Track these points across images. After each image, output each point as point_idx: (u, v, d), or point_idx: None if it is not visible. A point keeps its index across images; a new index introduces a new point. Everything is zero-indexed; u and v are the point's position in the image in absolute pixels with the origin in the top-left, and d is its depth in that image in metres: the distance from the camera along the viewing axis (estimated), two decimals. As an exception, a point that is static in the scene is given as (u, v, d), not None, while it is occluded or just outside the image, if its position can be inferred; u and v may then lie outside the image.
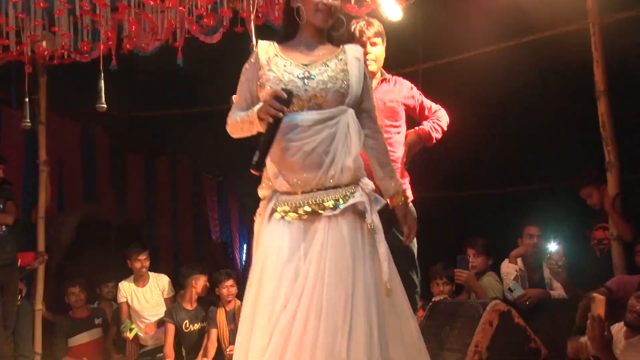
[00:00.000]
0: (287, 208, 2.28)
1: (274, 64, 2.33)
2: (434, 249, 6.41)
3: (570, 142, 6.07)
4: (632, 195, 4.45)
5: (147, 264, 5.87)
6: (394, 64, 3.59)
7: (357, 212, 2.25)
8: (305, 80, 2.28)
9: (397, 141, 3.32)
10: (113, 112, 5.16)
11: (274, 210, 2.30)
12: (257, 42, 2.47)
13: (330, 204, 2.24)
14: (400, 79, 3.49)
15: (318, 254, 2.15)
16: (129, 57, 5.08)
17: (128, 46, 5.00)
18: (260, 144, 2.20)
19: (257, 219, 2.38)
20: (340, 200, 2.25)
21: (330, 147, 2.23)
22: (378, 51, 3.35)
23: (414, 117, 3.51)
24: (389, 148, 2.65)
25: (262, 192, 2.40)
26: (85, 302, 6.05)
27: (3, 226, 5.27)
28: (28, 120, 4.81)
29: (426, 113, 3.51)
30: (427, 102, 3.52)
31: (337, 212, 2.22)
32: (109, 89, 4.44)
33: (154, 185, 9.00)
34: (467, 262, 4.41)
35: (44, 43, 4.95)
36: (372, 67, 3.30)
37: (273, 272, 2.18)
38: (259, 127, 2.27)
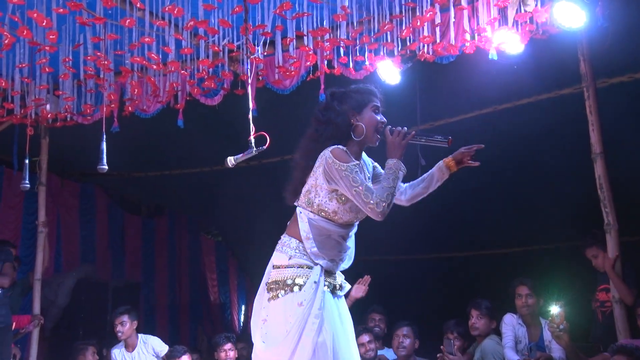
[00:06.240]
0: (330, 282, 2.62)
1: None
2: (442, 307, 6.35)
3: (570, 203, 6.08)
4: (632, 257, 4.41)
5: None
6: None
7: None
8: None
9: None
10: (112, 173, 5.18)
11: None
12: (254, 104, 2.53)
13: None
14: None
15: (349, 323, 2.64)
16: (130, 118, 5.16)
17: (130, 108, 5.08)
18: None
19: (312, 286, 2.50)
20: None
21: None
22: None
23: None
24: None
25: (300, 260, 2.56)
26: None
27: (-1, 289, 5.21)
28: (27, 182, 4.78)
29: None
30: None
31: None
32: (108, 150, 4.46)
33: (152, 246, 8.94)
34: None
35: (48, 106, 5.01)
36: None
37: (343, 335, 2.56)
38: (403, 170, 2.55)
